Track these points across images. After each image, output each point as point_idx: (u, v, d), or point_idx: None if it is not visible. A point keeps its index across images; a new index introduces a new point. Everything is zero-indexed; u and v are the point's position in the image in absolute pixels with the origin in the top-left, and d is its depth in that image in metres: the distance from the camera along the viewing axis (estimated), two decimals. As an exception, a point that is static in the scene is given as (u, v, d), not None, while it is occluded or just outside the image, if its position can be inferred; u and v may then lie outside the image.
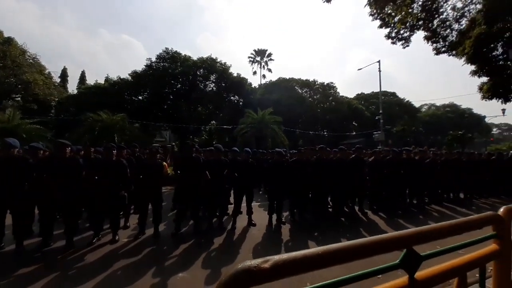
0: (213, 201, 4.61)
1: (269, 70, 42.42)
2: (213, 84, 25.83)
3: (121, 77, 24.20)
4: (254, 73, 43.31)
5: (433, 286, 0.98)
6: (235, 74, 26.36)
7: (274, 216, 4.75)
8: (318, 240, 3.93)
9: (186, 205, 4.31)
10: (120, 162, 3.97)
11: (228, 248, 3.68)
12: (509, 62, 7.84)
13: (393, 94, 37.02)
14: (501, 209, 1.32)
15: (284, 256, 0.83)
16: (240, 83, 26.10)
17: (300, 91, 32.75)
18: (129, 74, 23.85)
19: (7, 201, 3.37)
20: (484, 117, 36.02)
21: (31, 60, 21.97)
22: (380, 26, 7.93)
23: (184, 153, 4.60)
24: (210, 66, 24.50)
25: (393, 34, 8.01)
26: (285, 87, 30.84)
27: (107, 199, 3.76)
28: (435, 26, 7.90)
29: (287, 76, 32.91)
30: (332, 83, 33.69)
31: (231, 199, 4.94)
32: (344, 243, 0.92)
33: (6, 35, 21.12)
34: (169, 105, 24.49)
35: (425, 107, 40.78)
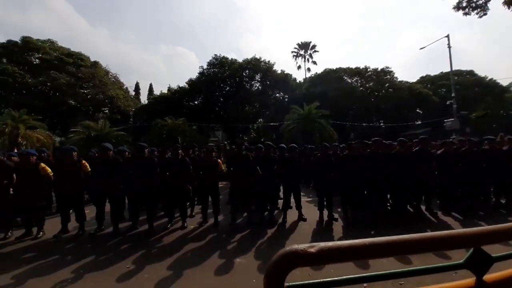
0: (263, 195, 4.85)
1: (314, 62, 40.65)
2: (258, 83, 26.44)
3: (180, 86, 27.17)
4: (299, 67, 42.20)
5: (502, 289, 0.90)
6: (279, 71, 26.36)
7: (325, 213, 4.69)
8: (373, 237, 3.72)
9: (239, 199, 4.68)
10: (185, 161, 4.60)
11: (279, 240, 3.86)
12: None
13: (470, 72, 30.43)
14: None
15: (330, 243, 0.90)
16: (284, 80, 25.99)
17: (349, 80, 30.32)
18: (186, 82, 26.60)
19: (106, 193, 4.34)
20: None
21: (113, 79, 26.88)
22: (450, -6, 6.69)
23: (236, 151, 4.98)
24: (255, 66, 25.13)
25: (464, 4, 6.66)
26: (332, 79, 29.03)
27: (176, 191, 4.42)
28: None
29: (334, 66, 30.91)
30: (387, 67, 29.96)
31: (281, 194, 5.08)
32: (396, 236, 0.90)
33: (92, 59, 26.37)
34: (219, 107, 26.26)
35: (516, 84, 32.03)
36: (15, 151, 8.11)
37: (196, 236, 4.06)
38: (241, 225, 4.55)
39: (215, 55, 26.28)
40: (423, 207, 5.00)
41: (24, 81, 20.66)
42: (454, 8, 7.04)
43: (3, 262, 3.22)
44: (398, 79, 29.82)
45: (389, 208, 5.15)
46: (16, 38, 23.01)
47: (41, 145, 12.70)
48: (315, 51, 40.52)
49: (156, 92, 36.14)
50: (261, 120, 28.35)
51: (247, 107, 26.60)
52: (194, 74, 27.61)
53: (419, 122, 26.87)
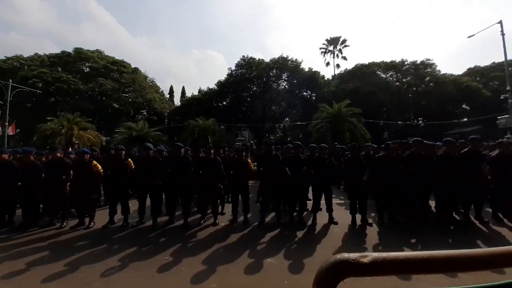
0: (292, 196, 4.77)
1: (344, 58, 38.75)
2: (285, 82, 26.14)
3: (210, 87, 28.20)
4: (327, 64, 40.63)
5: None
6: (306, 69, 25.72)
7: (358, 217, 4.43)
8: (413, 247, 3.41)
9: (269, 198, 4.67)
10: (216, 160, 4.74)
11: (309, 242, 3.75)
12: None
13: (531, 61, 26.10)
14: None
15: (384, 254, 0.83)
16: (312, 78, 25.26)
17: (383, 76, 28.23)
18: (215, 84, 27.50)
19: (148, 189, 4.68)
20: None
21: (150, 83, 28.98)
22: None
23: (265, 151, 4.98)
24: (282, 65, 24.88)
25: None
26: (364, 74, 27.33)
27: (209, 189, 4.59)
28: None
29: (366, 61, 29.10)
30: (428, 59, 27.14)
31: (310, 195, 4.95)
32: (456, 250, 0.82)
33: (133, 65, 28.71)
34: (246, 107, 26.60)
35: None
36: (70, 149, 9.20)
37: (227, 233, 4.15)
38: (270, 225, 4.53)
39: (243, 56, 26.67)
40: (472, 216, 4.43)
41: (77, 88, 23.39)
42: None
43: (59, 250, 3.57)
44: (441, 72, 26.89)
45: (432, 214, 4.67)
46: (69, 49, 26.22)
47: (91, 144, 14.29)
48: (345, 45, 38.64)
49: (188, 94, 38.00)
50: (287, 119, 28.01)
51: (273, 106, 26.51)
52: (222, 76, 28.41)
53: (466, 120, 23.92)
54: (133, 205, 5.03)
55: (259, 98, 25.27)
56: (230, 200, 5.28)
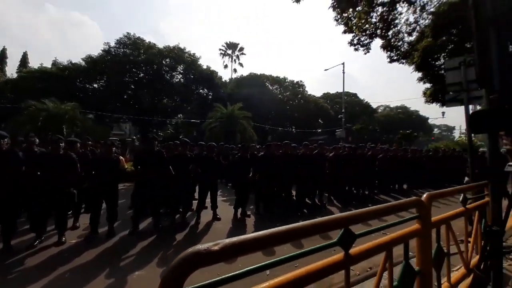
0: (176, 196, 4.50)
1: (241, 64, 42.23)
2: (181, 76, 24.79)
3: (73, 62, 21.66)
4: (225, 66, 42.69)
5: (364, 259, 1.16)
6: (204, 66, 25.69)
7: (240, 210, 4.86)
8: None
9: (146, 202, 4.14)
10: (68, 156, 3.62)
11: (189, 243, 3.62)
12: (442, 71, 9.07)
13: (355, 95, 40.10)
14: (424, 195, 1.60)
15: (234, 238, 0.89)
16: (209, 76, 25.55)
17: (270, 87, 33.34)
18: (82, 59, 21.50)
19: None
20: (428, 118, 42.95)
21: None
22: (344, 32, 8.49)
23: (146, 147, 4.39)
24: (178, 56, 23.42)
25: (355, 41, 8.67)
26: (256, 83, 31.06)
27: (52, 196, 3.41)
28: (390, 36, 8.77)
29: (258, 72, 33.31)
30: (301, 81, 35.11)
31: (196, 195, 4.89)
32: (291, 225, 1.02)
33: None
34: (129, 95, 22.77)
35: (381, 108, 45.16)
36: None
37: (79, 252, 3.23)
38: (145, 232, 4.02)
39: (128, 33, 22.70)
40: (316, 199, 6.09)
41: None
42: (348, 43, 9.02)
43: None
44: (308, 93, 35.52)
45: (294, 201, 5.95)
46: None
47: None
48: (242, 53, 42.18)
49: (34, 64, 27.35)
50: (181, 115, 26.69)
51: (165, 99, 24.38)
52: (95, 51, 22.67)
53: (320, 130, 32.75)
54: None
55: (148, 87, 22.40)
56: (88, 209, 4.22)
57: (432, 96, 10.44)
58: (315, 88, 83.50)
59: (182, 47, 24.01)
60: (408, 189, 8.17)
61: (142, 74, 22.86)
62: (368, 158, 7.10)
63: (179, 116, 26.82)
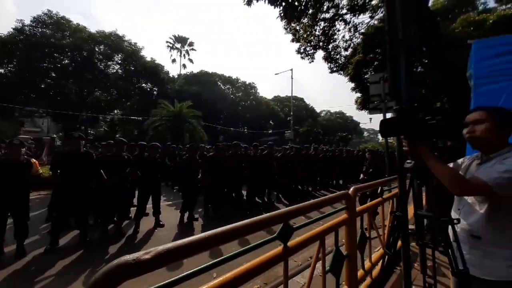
0: (109, 204, 3.99)
1: (191, 60, 40.55)
2: (119, 66, 22.14)
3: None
4: (174, 61, 40.25)
5: (301, 250, 1.28)
6: (148, 59, 23.62)
7: (187, 214, 4.65)
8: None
9: (68, 212, 3.54)
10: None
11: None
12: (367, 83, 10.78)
13: (302, 99, 43.53)
14: (351, 189, 1.85)
15: (169, 244, 0.85)
16: (154, 70, 23.59)
17: (223, 87, 33.08)
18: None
19: None
20: (359, 123, 51.88)
21: None
22: (292, 41, 9.19)
23: (70, 148, 3.74)
24: (115, 44, 20.85)
25: (302, 50, 9.48)
26: (207, 82, 30.33)
27: None
28: (330, 49, 9.91)
29: (210, 70, 32.62)
30: (253, 83, 36.03)
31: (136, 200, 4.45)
32: (231, 225, 1.03)
33: None
34: (49, 84, 19.13)
35: (323, 112, 50.43)
36: None
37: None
38: (69, 248, 3.43)
39: (49, 11, 19.09)
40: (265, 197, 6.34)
41: None
42: (295, 51, 9.76)
43: None
44: (260, 95, 36.74)
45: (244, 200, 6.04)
46: None
47: None
48: (192, 48, 40.48)
49: None
50: (118, 111, 23.90)
51: (97, 92, 21.40)
52: (4, 29, 18.18)
53: (271, 131, 34.27)
54: None
55: (74, 76, 19.24)
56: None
57: (361, 104, 12.27)
58: (267, 90, 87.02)
59: (121, 34, 21.52)
60: (344, 184, 9.31)
61: (67, 61, 19.50)
62: (312, 158, 7.80)
63: (115, 112, 23.93)
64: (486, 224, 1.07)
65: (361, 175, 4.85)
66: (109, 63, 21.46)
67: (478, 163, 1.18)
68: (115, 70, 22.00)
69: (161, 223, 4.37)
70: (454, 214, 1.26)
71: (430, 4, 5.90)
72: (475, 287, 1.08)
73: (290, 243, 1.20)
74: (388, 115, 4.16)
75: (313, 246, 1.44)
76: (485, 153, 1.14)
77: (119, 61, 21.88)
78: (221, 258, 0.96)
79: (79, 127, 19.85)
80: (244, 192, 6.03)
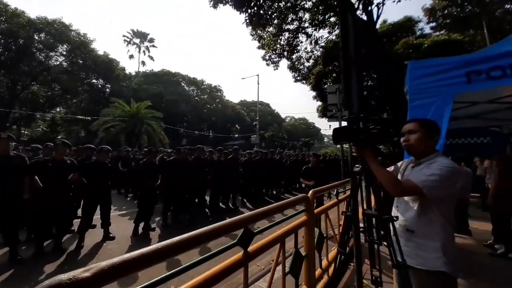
0: (46, 216, 3.48)
1: (151, 57, 38.34)
2: (63, 58, 19.74)
3: None
4: (131, 57, 37.54)
5: (262, 254, 1.30)
6: (101, 52, 21.59)
7: (142, 224, 4.31)
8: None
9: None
10: None
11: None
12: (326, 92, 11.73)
13: (268, 105, 44.82)
14: (310, 192, 1.96)
15: (115, 259, 0.78)
16: (107, 66, 21.62)
17: (187, 88, 32.02)
18: None
19: None
20: (320, 129, 56.91)
21: None
22: (258, 47, 9.46)
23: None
24: (60, 33, 18.57)
25: (267, 57, 9.83)
26: (170, 81, 29.04)
27: None
28: (294, 59, 10.51)
29: (173, 69, 31.36)
30: (219, 86, 35.75)
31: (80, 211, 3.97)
32: (188, 234, 1.00)
33: None
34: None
35: (288, 118, 52.87)
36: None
37: None
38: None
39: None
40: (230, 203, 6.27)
41: None
42: (261, 57, 10.08)
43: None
44: (226, 98, 36.61)
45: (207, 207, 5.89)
46: None
47: None
48: (153, 45, 38.44)
49: None
50: (60, 109, 21.23)
51: (35, 86, 18.72)
52: None
53: (237, 135, 34.31)
54: None
55: (5, 67, 16.56)
56: None
57: (322, 112, 13.24)
58: (234, 94, 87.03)
59: (68, 23, 19.30)
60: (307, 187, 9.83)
61: (-3, 48, 16.68)
62: (276, 162, 8.02)
63: (57, 110, 21.19)
64: (418, 219, 1.25)
65: (302, 180, 4.76)
66: (51, 54, 18.96)
67: (412, 166, 1.37)
68: (58, 63, 19.54)
69: (111, 235, 3.97)
70: (394, 211, 1.43)
71: (377, 27, 6.70)
72: (412, 276, 1.24)
73: (251, 248, 1.20)
74: (344, 123, 4.55)
75: (276, 249, 1.47)
76: (417, 158, 1.34)
77: (64, 53, 19.52)
78: (179, 268, 0.93)
79: (10, 126, 17.02)
80: (208, 198, 5.88)
